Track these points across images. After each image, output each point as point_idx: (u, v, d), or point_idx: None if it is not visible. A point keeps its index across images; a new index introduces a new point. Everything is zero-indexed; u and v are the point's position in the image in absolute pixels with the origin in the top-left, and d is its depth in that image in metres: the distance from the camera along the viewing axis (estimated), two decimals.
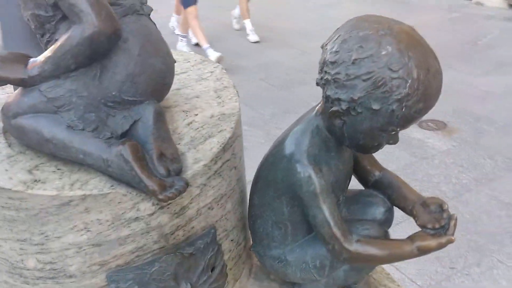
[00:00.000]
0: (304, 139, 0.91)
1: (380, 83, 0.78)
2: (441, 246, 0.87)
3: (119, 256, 0.84)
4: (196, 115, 0.97)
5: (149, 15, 0.90)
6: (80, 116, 0.81)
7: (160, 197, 0.77)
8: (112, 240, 0.82)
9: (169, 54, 0.90)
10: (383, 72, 0.77)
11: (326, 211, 0.88)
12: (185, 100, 1.02)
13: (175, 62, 0.93)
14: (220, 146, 0.90)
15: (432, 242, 0.88)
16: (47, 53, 0.80)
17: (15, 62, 0.82)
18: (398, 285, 1.14)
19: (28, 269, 0.85)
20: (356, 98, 0.80)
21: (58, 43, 0.78)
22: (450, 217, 0.89)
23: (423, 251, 0.89)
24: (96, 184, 0.80)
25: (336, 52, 0.81)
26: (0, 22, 1.23)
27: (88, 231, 0.80)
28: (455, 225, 0.89)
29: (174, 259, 0.84)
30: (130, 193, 0.79)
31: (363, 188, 1.07)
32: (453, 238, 0.87)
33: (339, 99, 0.82)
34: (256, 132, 3.76)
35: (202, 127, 0.94)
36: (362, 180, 1.07)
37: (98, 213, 0.79)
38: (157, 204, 0.81)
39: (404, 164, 3.11)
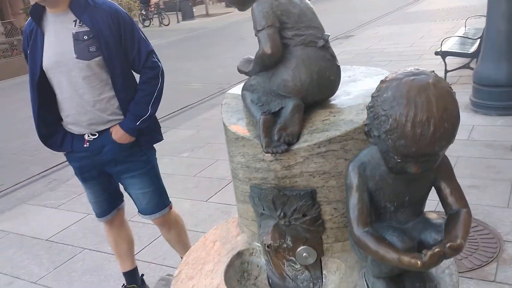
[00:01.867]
0: (366, 150, 1.22)
1: (375, 116, 1.05)
2: (405, 264, 1.02)
3: (255, 178, 1.46)
4: (334, 116, 1.41)
5: (322, 47, 1.41)
6: (258, 97, 1.47)
7: (264, 149, 1.34)
8: (252, 167, 1.45)
9: (320, 75, 1.39)
10: (378, 109, 1.04)
11: (351, 200, 1.19)
12: (340, 106, 1.46)
13: (331, 81, 1.41)
14: (327, 138, 1.33)
15: (405, 259, 1.03)
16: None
17: (249, 62, 1.54)
18: None
19: (232, 170, 1.60)
20: (367, 123, 1.09)
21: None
22: (433, 250, 1.00)
23: (399, 263, 1.06)
24: (251, 133, 1.44)
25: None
26: None
27: (243, 157, 1.47)
28: (430, 256, 1.00)
29: (272, 191, 1.39)
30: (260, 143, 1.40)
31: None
32: (413, 261, 1.00)
33: (365, 123, 1.12)
34: None
35: (329, 124, 1.38)
36: (444, 209, 1.20)
37: (247, 149, 1.44)
38: (273, 156, 1.38)
39: None
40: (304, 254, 1.42)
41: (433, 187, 1.24)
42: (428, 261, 1.02)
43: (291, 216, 1.40)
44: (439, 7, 15.25)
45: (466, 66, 6.58)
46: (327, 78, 1.44)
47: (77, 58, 2.17)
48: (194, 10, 23.84)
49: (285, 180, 1.41)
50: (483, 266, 2.83)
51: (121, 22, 2.22)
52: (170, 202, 2.62)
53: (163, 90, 2.39)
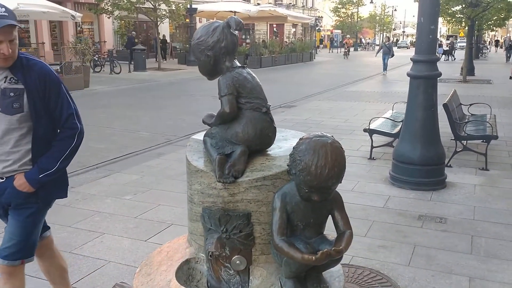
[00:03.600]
0: (288, 184, 1.76)
1: (294, 160, 1.61)
2: (305, 259, 1.55)
3: (207, 202, 1.96)
4: (269, 161, 1.97)
5: (265, 112, 1.98)
6: (216, 142, 2.00)
7: (217, 179, 1.86)
8: (206, 193, 1.95)
9: (261, 132, 1.95)
10: (296, 156, 1.61)
11: (274, 218, 1.72)
12: (273, 155, 2.02)
13: (269, 136, 1.97)
14: (262, 175, 1.87)
15: (306, 256, 1.56)
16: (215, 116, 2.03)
17: (211, 117, 2.08)
18: None
19: (189, 195, 2.08)
20: (288, 164, 1.64)
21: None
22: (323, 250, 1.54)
23: (302, 259, 1.58)
24: (207, 167, 1.96)
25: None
26: None
27: (200, 185, 1.97)
28: (321, 253, 1.53)
29: (219, 212, 1.89)
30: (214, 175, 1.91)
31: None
32: (310, 257, 1.53)
33: (287, 165, 1.68)
34: None
35: (265, 166, 1.94)
36: (335, 229, 1.76)
37: (204, 179, 1.95)
38: (223, 185, 1.89)
39: None
40: (238, 261, 1.91)
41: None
42: (319, 257, 1.56)
43: (231, 231, 1.90)
44: (374, 89, 16.80)
45: (389, 144, 7.48)
46: (266, 134, 2.01)
47: (1, 112, 2.32)
48: (157, 61, 24.42)
49: (229, 204, 1.92)
50: None
51: (47, 83, 2.37)
52: (25, 259, 2.55)
53: (78, 149, 2.52)
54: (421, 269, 3.93)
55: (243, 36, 36.25)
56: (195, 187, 2.01)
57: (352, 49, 42.93)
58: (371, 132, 7.34)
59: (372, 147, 7.31)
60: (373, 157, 7.25)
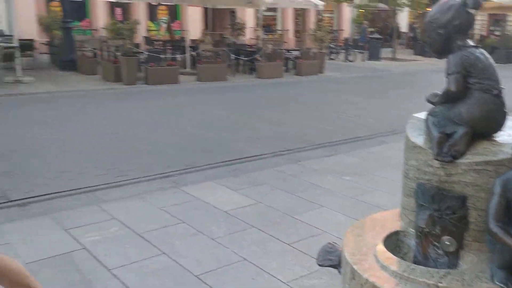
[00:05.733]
0: None
1: None
2: None
3: (422, 178, 1.99)
4: (494, 147, 1.88)
5: (496, 95, 1.88)
6: (438, 121, 1.99)
7: (434, 157, 1.87)
8: (421, 169, 1.98)
9: (488, 114, 1.86)
10: None
11: (492, 202, 1.67)
12: (500, 141, 1.92)
13: (496, 120, 1.86)
14: (484, 160, 1.80)
15: None
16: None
17: (435, 96, 2.07)
18: None
19: (405, 171, 2.13)
20: None
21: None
22: None
23: None
24: (426, 145, 1.97)
25: None
26: None
27: (416, 162, 2.01)
28: None
29: (433, 189, 1.90)
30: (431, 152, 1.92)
31: None
32: None
33: None
34: None
35: (489, 151, 1.86)
36: None
37: (421, 156, 1.98)
38: (440, 164, 1.89)
39: None
40: (447, 242, 1.90)
41: None
42: None
43: (444, 211, 1.90)
44: None
45: None
46: (493, 118, 1.93)
47: None
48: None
49: (445, 184, 1.92)
50: None
51: None
52: None
53: None
54: None
55: (491, 28, 32.68)
56: (411, 163, 2.05)
57: None
58: None
59: None
60: None
